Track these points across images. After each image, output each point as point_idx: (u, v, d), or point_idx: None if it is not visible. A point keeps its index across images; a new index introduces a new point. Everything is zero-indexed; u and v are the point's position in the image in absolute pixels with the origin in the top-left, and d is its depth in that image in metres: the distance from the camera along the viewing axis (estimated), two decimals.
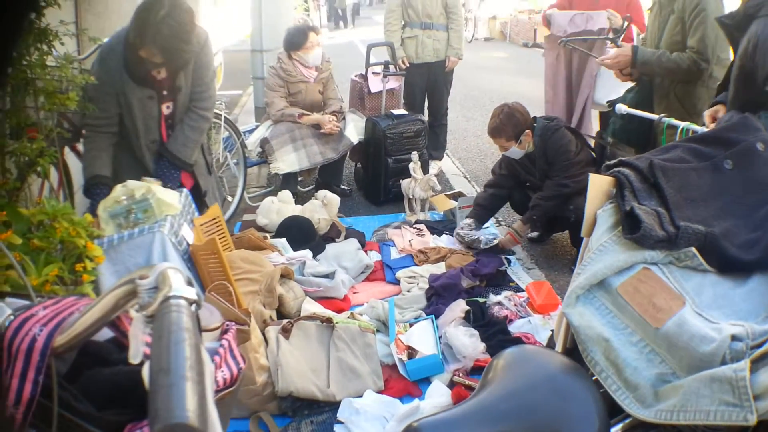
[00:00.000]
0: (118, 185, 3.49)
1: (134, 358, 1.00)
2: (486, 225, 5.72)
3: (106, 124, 3.96)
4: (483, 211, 5.35)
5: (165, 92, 4.05)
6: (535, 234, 5.50)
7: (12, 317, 1.13)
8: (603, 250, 1.87)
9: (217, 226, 4.02)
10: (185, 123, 4.17)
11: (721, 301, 1.70)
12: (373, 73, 7.02)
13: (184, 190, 3.86)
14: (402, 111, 6.76)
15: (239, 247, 4.30)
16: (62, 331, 1.10)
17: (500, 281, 4.66)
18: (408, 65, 7.09)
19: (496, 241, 5.04)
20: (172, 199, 3.54)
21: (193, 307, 0.96)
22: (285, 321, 3.66)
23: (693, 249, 1.79)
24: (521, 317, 4.12)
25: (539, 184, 5.02)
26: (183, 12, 3.75)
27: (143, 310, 0.98)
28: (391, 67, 7.06)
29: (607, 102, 5.01)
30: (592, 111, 6.08)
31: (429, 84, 7.35)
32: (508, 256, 5.01)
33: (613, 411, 1.79)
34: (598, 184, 1.99)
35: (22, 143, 3.08)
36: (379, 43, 7.30)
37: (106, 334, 1.29)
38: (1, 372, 1.10)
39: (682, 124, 3.61)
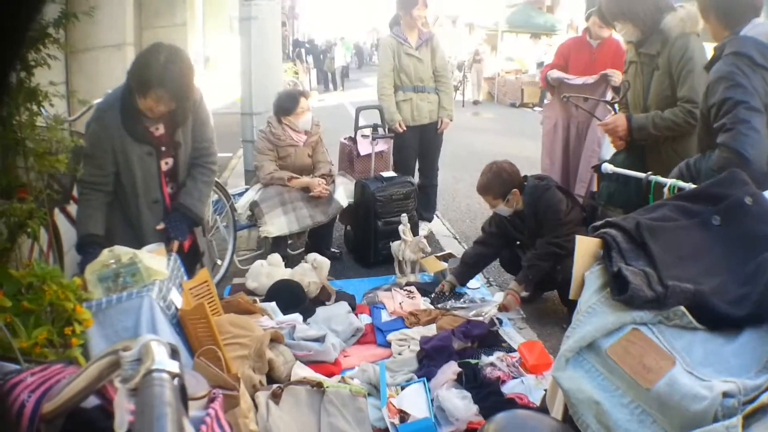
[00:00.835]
0: (106, 249, 3.49)
1: (119, 428, 0.98)
2: (477, 286, 5.73)
3: (102, 182, 3.97)
4: (467, 269, 5.41)
5: (164, 148, 4.09)
6: (525, 293, 5.50)
7: (1, 382, 1.11)
8: (591, 312, 1.86)
9: (207, 290, 4.00)
10: (197, 179, 4.26)
11: (712, 359, 1.69)
12: (362, 135, 7.09)
13: (173, 254, 3.85)
14: (391, 173, 6.79)
15: (228, 311, 4.27)
16: (50, 398, 1.09)
17: (492, 342, 4.61)
18: (405, 128, 7.11)
19: (488, 311, 4.96)
20: (160, 265, 3.53)
21: (176, 380, 0.94)
22: (275, 386, 3.61)
23: (682, 308, 1.79)
24: (514, 378, 4.09)
25: (529, 243, 5.04)
26: (183, 57, 3.85)
27: (126, 382, 0.96)
28: (380, 130, 7.13)
29: (592, 167, 5.02)
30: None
31: (422, 146, 7.39)
32: (499, 316, 4.97)
33: None
34: (585, 246, 2.00)
35: (12, 204, 3.06)
36: (368, 106, 7.38)
37: (92, 401, 1.27)
38: None
39: (669, 182, 3.63)
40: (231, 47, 21.84)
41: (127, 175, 4.00)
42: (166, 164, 4.16)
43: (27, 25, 0.97)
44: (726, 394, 1.50)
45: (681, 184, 3.55)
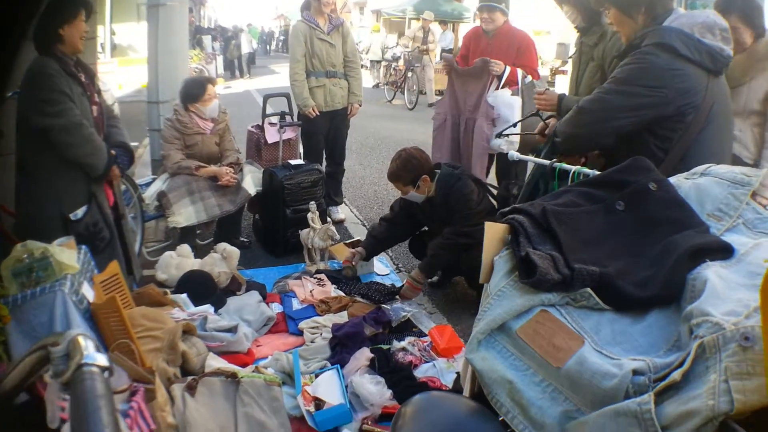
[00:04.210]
0: (18, 244, 3.44)
1: (51, 423, 1.00)
2: (386, 272, 5.81)
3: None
4: (375, 243, 5.53)
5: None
6: (435, 278, 5.59)
7: None
8: (501, 295, 1.94)
9: (117, 283, 3.95)
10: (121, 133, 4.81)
11: (620, 338, 1.78)
12: (269, 123, 7.08)
13: (84, 247, 3.80)
14: (299, 161, 6.81)
15: (140, 303, 4.22)
16: None
17: (403, 327, 4.69)
18: (318, 113, 7.12)
19: (403, 316, 4.88)
20: (71, 259, 3.48)
21: (106, 373, 0.96)
22: (190, 378, 3.60)
23: (588, 289, 1.87)
24: (426, 362, 4.17)
25: (437, 230, 5.12)
26: None
27: (58, 377, 0.98)
28: (288, 118, 7.12)
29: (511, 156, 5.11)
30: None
31: (331, 131, 7.42)
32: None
33: None
34: (494, 231, 2.07)
35: None
36: (275, 93, 7.37)
37: (21, 396, 1.28)
38: None
39: (573, 168, 3.75)
40: (138, 35, 21.48)
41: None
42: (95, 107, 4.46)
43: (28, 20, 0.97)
44: (636, 372, 1.58)
45: (585, 170, 3.68)
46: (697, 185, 2.11)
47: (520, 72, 6.17)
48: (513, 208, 2.16)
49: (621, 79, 3.29)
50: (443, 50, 21.77)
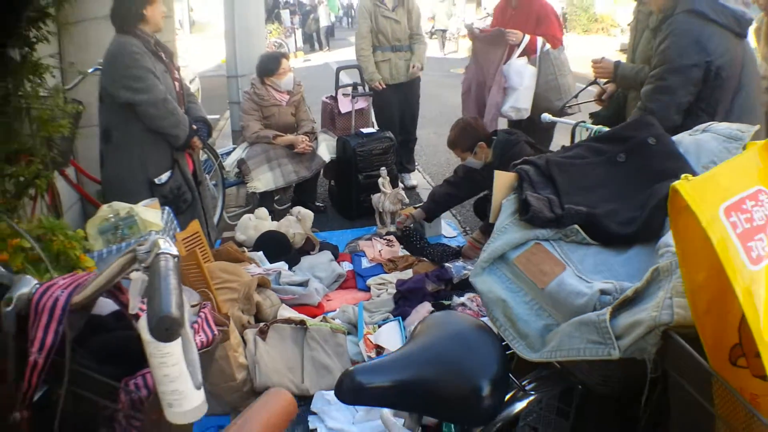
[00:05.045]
0: (104, 205, 3.81)
1: (132, 309, 1.34)
2: (454, 234, 6.05)
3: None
4: (435, 206, 5.74)
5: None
6: None
7: (38, 285, 1.46)
8: (504, 230, 2.25)
9: (198, 240, 4.32)
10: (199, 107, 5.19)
11: (602, 267, 2.07)
12: (343, 94, 7.36)
13: (167, 208, 4.17)
14: (371, 129, 7.10)
15: (219, 259, 4.59)
16: (78, 292, 1.43)
17: (464, 285, 4.85)
18: (385, 86, 7.37)
19: (464, 274, 5.03)
20: (155, 218, 3.84)
21: (176, 259, 1.30)
22: (262, 324, 3.96)
23: (576, 226, 2.17)
24: (483, 316, 4.38)
25: None
26: None
27: (141, 263, 1.32)
28: (360, 88, 7.40)
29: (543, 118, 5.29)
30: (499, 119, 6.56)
31: (402, 103, 7.64)
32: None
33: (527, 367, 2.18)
34: (503, 179, 2.39)
35: (20, 167, 3.38)
36: (348, 65, 7.65)
37: (109, 307, 1.62)
38: (28, 326, 1.42)
39: (594, 127, 3.97)
40: (215, 10, 21.95)
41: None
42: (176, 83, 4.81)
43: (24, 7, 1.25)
44: (603, 292, 1.89)
45: (605, 129, 3.89)
46: (697, 140, 2.36)
47: (540, 40, 6.31)
48: (524, 159, 2.45)
49: (669, 57, 3.47)
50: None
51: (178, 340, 1.21)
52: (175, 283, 1.22)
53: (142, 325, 1.23)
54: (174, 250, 1.31)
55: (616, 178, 2.36)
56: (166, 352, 1.23)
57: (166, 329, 1.15)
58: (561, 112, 5.96)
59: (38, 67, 3.51)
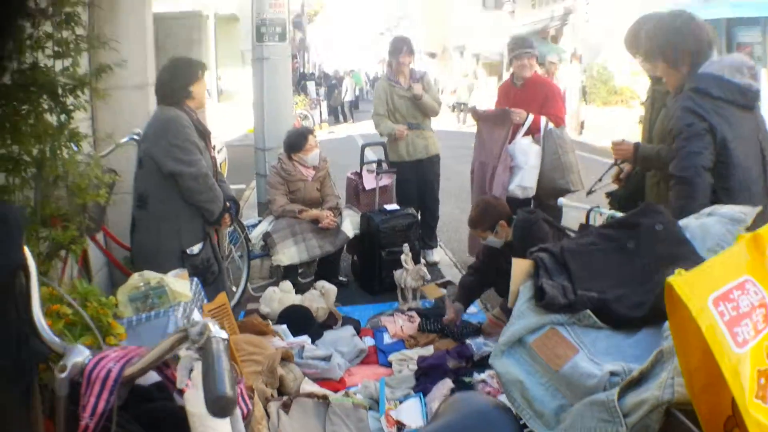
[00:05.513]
0: (135, 273, 3.92)
1: (180, 384, 1.44)
2: (474, 311, 6.10)
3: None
4: (466, 294, 5.74)
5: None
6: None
7: (90, 356, 1.56)
8: (521, 315, 2.39)
9: (224, 312, 4.40)
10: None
11: (613, 350, 2.20)
12: (367, 170, 7.52)
13: (195, 279, 4.28)
14: (394, 206, 7.22)
15: (243, 331, 4.67)
16: (130, 365, 1.53)
17: (485, 362, 4.87)
18: (407, 132, 7.54)
19: (484, 351, 5.06)
20: (184, 288, 3.94)
21: (226, 342, 1.40)
22: (285, 397, 4.02)
23: (588, 311, 2.30)
24: (503, 393, 4.43)
25: None
26: None
27: (194, 344, 1.42)
28: (384, 165, 7.55)
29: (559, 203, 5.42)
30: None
31: (420, 179, 7.78)
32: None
33: None
34: (521, 266, 2.54)
35: (56, 231, 3.51)
36: (373, 142, 7.86)
37: (152, 378, 1.72)
38: (80, 393, 1.52)
39: (608, 212, 4.08)
40: (243, 80, 22.33)
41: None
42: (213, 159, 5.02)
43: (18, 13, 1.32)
44: (613, 373, 2.03)
45: (618, 214, 4.00)
46: (703, 224, 2.49)
47: (543, 120, 6.48)
48: (540, 247, 2.57)
49: (680, 128, 3.59)
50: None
51: (227, 418, 1.32)
52: (228, 364, 1.33)
53: (189, 399, 1.33)
54: (224, 334, 1.42)
55: (626, 264, 2.51)
56: (212, 427, 1.34)
57: (222, 407, 1.26)
58: (563, 191, 6.15)
59: (76, 135, 3.67)
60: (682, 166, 3.57)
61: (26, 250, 1.68)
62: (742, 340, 1.56)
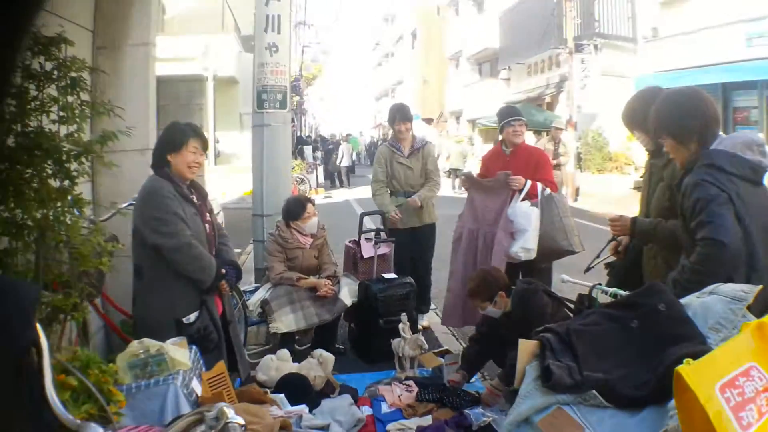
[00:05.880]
0: (135, 341, 3.94)
1: None
2: (472, 380, 6.08)
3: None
4: (470, 366, 5.75)
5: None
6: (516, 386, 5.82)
7: None
8: (528, 395, 2.42)
9: (222, 381, 4.40)
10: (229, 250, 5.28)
11: (618, 429, 2.24)
12: (365, 239, 7.57)
13: (194, 347, 4.29)
14: (392, 275, 7.24)
15: (242, 400, 4.64)
16: None
17: (484, 431, 4.90)
18: (400, 216, 7.63)
19: (483, 420, 5.06)
20: (183, 357, 3.97)
21: (243, 429, 1.42)
22: None
23: (594, 391, 2.33)
24: None
25: (516, 341, 5.40)
26: None
27: (210, 430, 1.45)
28: (382, 234, 7.61)
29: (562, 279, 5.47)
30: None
31: (414, 246, 7.86)
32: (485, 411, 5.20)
33: None
34: (526, 347, 2.59)
35: (57, 297, 3.53)
36: (371, 212, 7.90)
37: None
38: None
39: (611, 290, 4.13)
40: (240, 142, 22.51)
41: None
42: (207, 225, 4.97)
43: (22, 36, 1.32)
44: None
45: (621, 292, 4.04)
46: (704, 303, 2.54)
47: (539, 185, 6.57)
48: (545, 327, 2.62)
49: (705, 199, 3.59)
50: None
51: None
52: None
53: None
54: (240, 420, 1.45)
55: (629, 344, 2.57)
56: None
57: None
58: (566, 253, 6.41)
59: (79, 201, 3.71)
60: (722, 231, 3.48)
61: (38, 326, 1.70)
62: (746, 424, 1.62)
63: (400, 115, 7.86)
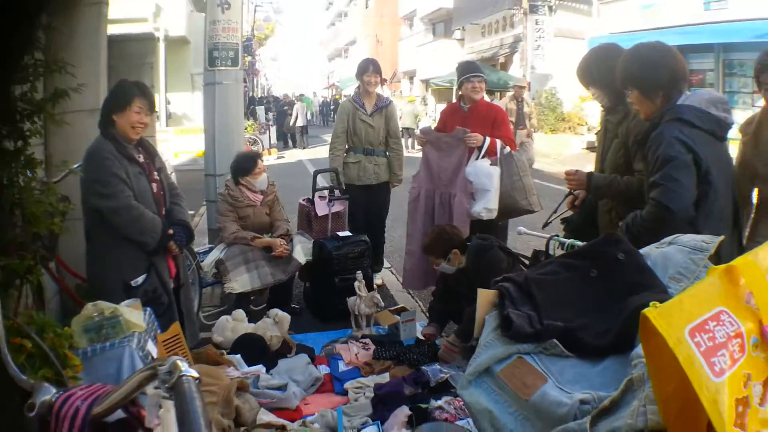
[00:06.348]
0: (90, 303, 3.86)
1: (149, 423, 1.41)
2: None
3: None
4: (437, 317, 5.88)
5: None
6: (473, 342, 5.84)
7: (57, 394, 1.53)
8: (488, 345, 2.41)
9: (178, 343, 4.35)
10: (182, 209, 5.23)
11: (580, 378, 2.23)
12: (319, 197, 7.51)
13: (148, 309, 4.22)
14: (347, 233, 7.21)
15: (198, 362, 4.61)
16: (99, 404, 1.50)
17: (441, 388, 4.91)
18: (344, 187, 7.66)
19: (441, 377, 5.07)
20: (138, 319, 3.90)
21: (198, 382, 1.38)
22: (242, 429, 3.97)
23: (555, 340, 2.33)
24: (460, 419, 4.43)
25: (473, 298, 5.41)
26: None
27: (164, 384, 1.39)
28: (336, 192, 7.56)
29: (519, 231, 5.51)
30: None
31: (369, 204, 7.88)
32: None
33: None
34: (485, 296, 2.57)
35: (12, 261, 3.43)
36: (324, 169, 7.83)
37: (116, 415, 1.69)
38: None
39: (567, 241, 4.14)
40: (192, 103, 22.19)
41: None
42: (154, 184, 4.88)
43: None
44: (583, 402, 2.05)
45: (578, 243, 4.06)
46: (664, 253, 2.54)
47: (499, 143, 6.53)
48: (504, 277, 2.60)
49: (668, 158, 3.63)
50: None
51: None
52: (202, 406, 1.31)
53: None
54: (194, 372, 1.40)
55: (589, 293, 2.56)
56: None
57: None
58: (525, 212, 6.47)
59: (32, 162, 3.60)
60: (671, 197, 3.58)
61: None
62: (719, 370, 1.60)
63: (373, 66, 7.84)
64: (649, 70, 3.87)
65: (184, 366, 1.40)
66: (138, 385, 1.47)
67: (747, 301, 1.74)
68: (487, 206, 6.32)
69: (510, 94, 19.23)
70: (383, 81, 7.96)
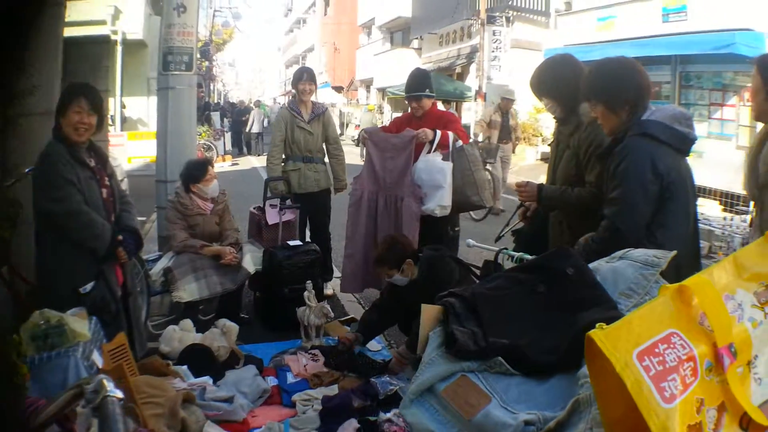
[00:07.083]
0: (36, 312, 3.81)
1: None
2: (378, 348, 6.08)
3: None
4: (368, 329, 5.83)
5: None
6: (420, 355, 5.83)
7: None
8: (431, 363, 2.39)
9: (124, 353, 4.27)
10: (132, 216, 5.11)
11: (525, 397, 2.22)
12: (270, 206, 7.46)
13: (94, 318, 4.15)
14: (297, 242, 7.17)
15: (144, 372, 4.53)
16: (33, 418, 1.46)
17: (391, 400, 4.80)
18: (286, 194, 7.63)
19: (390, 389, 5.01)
20: (83, 328, 3.84)
21: (122, 402, 1.35)
22: None
23: (500, 358, 2.31)
24: None
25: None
26: None
27: (89, 404, 1.37)
28: (288, 201, 7.52)
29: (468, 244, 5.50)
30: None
31: (311, 212, 7.91)
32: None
33: None
34: (429, 312, 2.56)
35: None
36: (277, 177, 7.78)
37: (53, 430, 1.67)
38: None
39: (516, 254, 4.16)
40: (148, 108, 21.92)
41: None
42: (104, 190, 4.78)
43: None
44: (528, 423, 2.03)
45: (527, 256, 4.08)
46: (614, 268, 2.55)
47: (451, 136, 6.41)
48: (449, 292, 2.59)
49: (628, 176, 3.66)
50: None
51: None
52: (123, 429, 1.28)
53: None
54: (119, 393, 1.37)
55: (537, 308, 2.55)
56: None
57: None
58: (476, 207, 6.64)
59: None
60: (624, 220, 3.58)
61: None
62: (669, 395, 1.56)
63: (307, 74, 7.91)
64: (616, 84, 3.91)
65: (110, 386, 1.39)
66: (66, 403, 1.45)
67: (700, 322, 1.71)
68: (441, 203, 6.24)
69: (494, 105, 18.48)
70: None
